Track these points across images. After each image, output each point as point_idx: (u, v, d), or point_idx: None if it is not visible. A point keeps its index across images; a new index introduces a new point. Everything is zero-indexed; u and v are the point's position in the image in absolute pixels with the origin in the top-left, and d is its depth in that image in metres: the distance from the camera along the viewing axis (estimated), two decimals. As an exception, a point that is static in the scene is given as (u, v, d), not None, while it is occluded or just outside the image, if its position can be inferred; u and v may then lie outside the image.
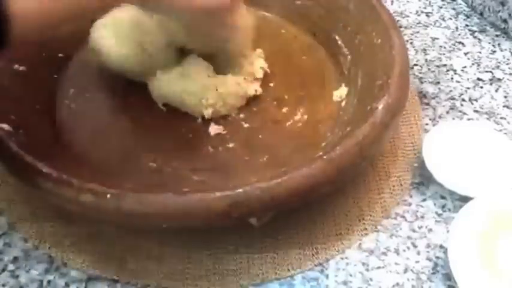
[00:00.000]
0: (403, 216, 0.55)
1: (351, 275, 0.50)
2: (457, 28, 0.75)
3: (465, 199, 0.52)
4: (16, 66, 0.60)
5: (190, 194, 0.46)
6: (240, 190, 0.45)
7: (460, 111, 0.64)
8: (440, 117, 0.64)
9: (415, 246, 0.52)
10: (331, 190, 0.50)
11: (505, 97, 0.66)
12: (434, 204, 0.56)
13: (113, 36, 0.60)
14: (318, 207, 0.54)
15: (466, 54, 0.71)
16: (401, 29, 0.73)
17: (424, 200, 0.56)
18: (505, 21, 0.72)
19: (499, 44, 0.72)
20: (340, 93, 0.62)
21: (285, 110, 0.62)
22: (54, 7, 0.42)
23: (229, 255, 0.51)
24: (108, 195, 0.45)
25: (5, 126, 0.52)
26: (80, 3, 0.44)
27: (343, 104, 0.61)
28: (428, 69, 0.69)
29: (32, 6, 0.39)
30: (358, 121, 0.52)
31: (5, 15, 0.37)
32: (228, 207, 0.45)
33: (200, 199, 0.45)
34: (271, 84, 0.64)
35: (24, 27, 0.39)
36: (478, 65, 0.70)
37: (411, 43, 0.73)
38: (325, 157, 0.47)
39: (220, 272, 0.51)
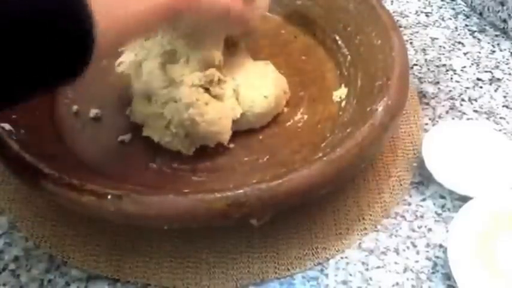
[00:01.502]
0: (402, 216, 0.55)
1: (350, 275, 0.50)
2: (456, 28, 0.75)
3: (465, 199, 0.52)
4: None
5: (191, 194, 0.46)
6: (240, 191, 0.45)
7: (460, 111, 0.64)
8: (439, 117, 0.64)
9: (414, 245, 0.53)
10: (331, 190, 0.50)
11: (505, 97, 0.66)
12: (434, 203, 0.56)
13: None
14: (318, 207, 0.54)
15: (465, 54, 0.71)
16: (401, 29, 0.73)
17: (424, 199, 0.56)
18: (504, 21, 0.73)
19: (498, 44, 0.72)
20: (340, 93, 0.62)
21: (285, 110, 0.62)
22: (128, 30, 0.44)
23: (229, 255, 0.52)
24: (109, 196, 0.45)
25: (6, 125, 0.52)
26: (147, 27, 0.48)
27: (342, 104, 0.61)
28: (428, 69, 0.70)
29: (112, 27, 0.41)
30: (357, 122, 0.52)
31: (92, 36, 0.39)
32: (228, 208, 0.45)
33: (200, 199, 0.45)
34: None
35: (102, 47, 0.41)
36: (478, 65, 0.70)
37: (411, 43, 0.73)
38: (324, 158, 0.47)
39: (220, 271, 0.51)
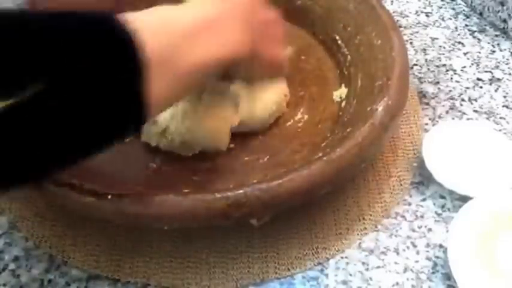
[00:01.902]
0: (402, 216, 0.55)
1: (350, 275, 0.51)
2: (456, 28, 0.75)
3: (465, 199, 0.52)
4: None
5: (191, 194, 0.46)
6: (240, 191, 0.45)
7: (460, 111, 0.64)
8: (440, 117, 0.64)
9: (414, 245, 0.53)
10: (331, 190, 0.50)
11: (504, 97, 0.66)
12: (434, 203, 0.56)
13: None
14: (318, 207, 0.54)
15: (465, 54, 0.71)
16: (401, 29, 0.74)
17: (424, 199, 0.56)
18: (504, 21, 0.73)
19: (498, 44, 0.72)
20: (340, 93, 0.62)
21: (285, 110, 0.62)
22: (179, 95, 0.45)
23: (229, 255, 0.52)
24: (109, 196, 0.45)
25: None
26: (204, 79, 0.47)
27: (343, 104, 0.61)
28: (428, 69, 0.70)
29: (164, 93, 0.41)
30: (357, 122, 0.52)
31: (144, 103, 0.39)
32: (228, 208, 0.45)
33: (200, 199, 0.45)
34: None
35: (153, 112, 0.41)
36: (478, 65, 0.70)
37: (411, 43, 0.73)
38: (324, 158, 0.47)
39: (220, 271, 0.51)
